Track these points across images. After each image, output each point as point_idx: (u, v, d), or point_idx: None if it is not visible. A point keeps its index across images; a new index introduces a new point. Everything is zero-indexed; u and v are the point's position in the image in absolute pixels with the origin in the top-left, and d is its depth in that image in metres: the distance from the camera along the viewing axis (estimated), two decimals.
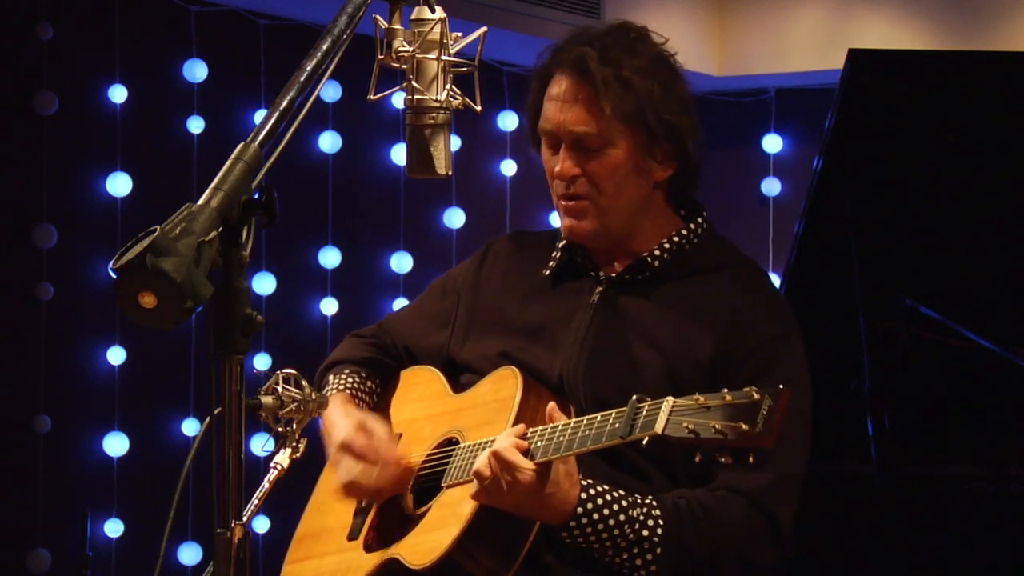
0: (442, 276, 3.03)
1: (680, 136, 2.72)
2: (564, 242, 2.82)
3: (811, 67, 7.02)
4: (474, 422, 2.73)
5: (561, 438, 2.49)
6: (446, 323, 2.92)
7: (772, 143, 7.38)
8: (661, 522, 2.54)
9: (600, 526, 2.51)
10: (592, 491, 2.53)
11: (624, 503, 2.54)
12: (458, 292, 2.93)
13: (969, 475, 4.24)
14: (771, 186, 7.38)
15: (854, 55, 4.38)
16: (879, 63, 4.52)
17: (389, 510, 2.81)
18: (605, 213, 2.72)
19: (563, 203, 2.74)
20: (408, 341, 2.99)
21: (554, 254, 2.83)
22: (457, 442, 2.74)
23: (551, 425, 2.53)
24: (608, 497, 2.53)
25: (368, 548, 2.78)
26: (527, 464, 2.47)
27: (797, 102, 7.30)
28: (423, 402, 2.89)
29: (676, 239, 2.76)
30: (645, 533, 2.53)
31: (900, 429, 4.24)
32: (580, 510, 2.51)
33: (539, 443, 2.51)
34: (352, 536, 2.83)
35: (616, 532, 2.52)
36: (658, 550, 2.53)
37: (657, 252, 2.75)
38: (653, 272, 2.75)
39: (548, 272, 2.83)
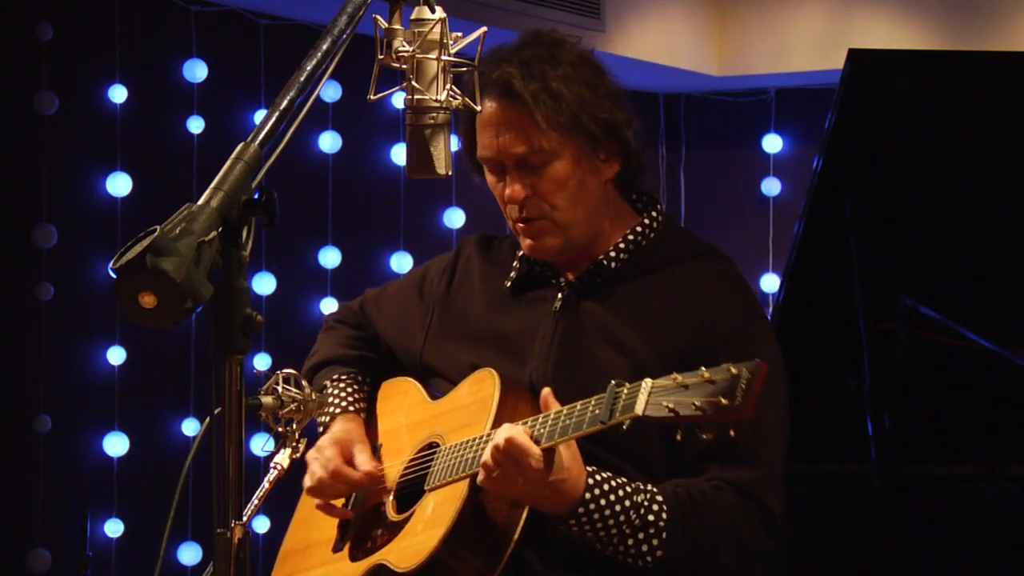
0: (421, 270, 3.00)
1: (619, 130, 2.70)
2: (523, 252, 2.80)
3: (811, 67, 7.02)
4: (454, 425, 2.73)
5: (542, 430, 2.49)
6: (421, 327, 2.91)
7: (772, 143, 7.38)
8: (665, 507, 2.54)
9: (607, 512, 2.50)
10: (598, 476, 2.52)
11: (628, 488, 2.53)
12: (432, 298, 2.92)
13: (969, 475, 4.24)
14: (771, 186, 7.38)
15: (854, 55, 4.37)
16: (879, 63, 4.52)
17: (373, 519, 2.80)
18: (565, 227, 2.70)
19: (520, 225, 2.72)
20: (388, 337, 2.98)
21: (513, 263, 2.83)
22: (438, 446, 2.74)
23: (531, 418, 2.53)
24: (613, 483, 2.53)
25: (354, 558, 2.77)
26: (536, 450, 2.46)
27: (797, 102, 7.31)
28: (401, 412, 2.89)
29: (632, 237, 2.75)
30: (651, 518, 2.52)
31: (900, 429, 4.24)
32: (588, 495, 2.50)
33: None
34: (337, 548, 2.82)
35: (622, 518, 2.51)
36: (664, 535, 2.53)
37: (613, 253, 2.74)
38: (613, 273, 2.74)
39: (509, 284, 2.82)
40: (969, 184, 4.44)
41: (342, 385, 2.94)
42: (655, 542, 2.53)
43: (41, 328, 5.35)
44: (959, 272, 4.44)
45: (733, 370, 2.28)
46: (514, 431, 2.48)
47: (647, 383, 2.35)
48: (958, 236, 4.45)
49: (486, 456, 2.50)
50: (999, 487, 4.17)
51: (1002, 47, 6.58)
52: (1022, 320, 4.40)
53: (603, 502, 2.51)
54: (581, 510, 2.50)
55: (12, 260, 5.33)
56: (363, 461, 2.81)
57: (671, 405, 2.30)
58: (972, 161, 4.45)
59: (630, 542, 2.53)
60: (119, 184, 5.52)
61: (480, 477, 2.52)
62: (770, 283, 7.21)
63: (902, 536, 4.17)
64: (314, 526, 2.90)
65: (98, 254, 5.45)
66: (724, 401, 2.26)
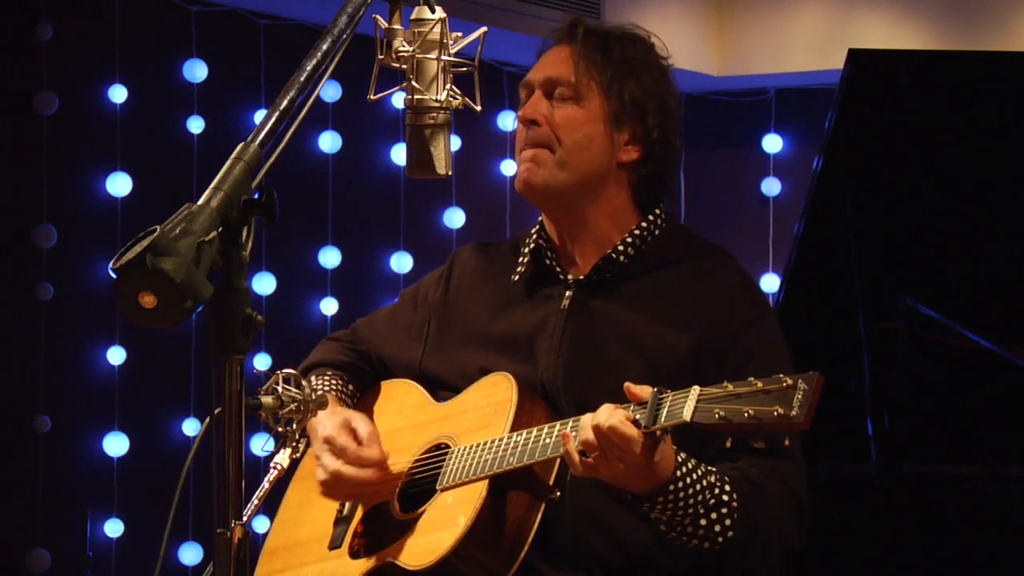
0: (412, 287, 3.01)
1: (645, 119, 2.73)
2: (533, 246, 2.81)
3: (811, 67, 7.02)
4: (466, 427, 2.71)
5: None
6: (418, 338, 2.90)
7: (772, 143, 7.38)
8: (733, 486, 2.52)
9: (690, 490, 2.47)
10: (682, 455, 2.49)
11: (702, 469, 2.51)
12: (428, 307, 2.91)
13: (969, 475, 4.24)
14: (771, 186, 7.38)
15: (854, 55, 4.38)
16: (879, 63, 4.52)
17: (375, 517, 2.79)
18: (560, 166, 2.72)
19: (521, 154, 2.75)
20: (383, 351, 2.96)
21: (521, 260, 2.82)
22: (448, 447, 2.72)
23: (560, 422, 2.53)
24: (692, 463, 2.50)
25: (355, 555, 2.75)
26: (639, 436, 2.40)
27: (797, 102, 7.31)
28: (402, 413, 2.87)
29: (638, 232, 2.75)
30: (725, 498, 2.50)
31: (900, 429, 4.24)
32: (677, 473, 2.47)
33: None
34: (334, 545, 2.80)
35: (700, 498, 2.48)
36: (736, 515, 2.51)
37: (621, 248, 2.74)
38: (620, 269, 2.74)
39: (517, 278, 2.81)
40: (969, 184, 4.44)
41: (326, 378, 2.93)
42: (728, 522, 2.51)
43: (41, 328, 5.35)
44: (959, 272, 4.44)
45: (788, 380, 2.29)
46: (617, 417, 2.41)
47: (695, 390, 2.35)
48: (958, 236, 4.45)
49: (587, 436, 2.42)
50: (999, 487, 4.17)
51: (1002, 47, 6.58)
52: (1022, 320, 4.40)
53: (688, 480, 2.48)
54: (671, 487, 2.46)
55: (12, 260, 5.33)
56: (369, 436, 2.79)
57: (723, 413, 2.30)
58: (972, 161, 4.45)
59: (702, 522, 2.50)
60: (119, 184, 5.52)
61: (576, 460, 2.46)
62: (770, 283, 7.20)
63: (902, 536, 4.17)
64: (304, 523, 2.88)
65: (98, 254, 5.45)
66: (780, 411, 2.27)
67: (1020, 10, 6.79)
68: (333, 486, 2.79)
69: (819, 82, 6.96)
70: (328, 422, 2.81)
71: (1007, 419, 4.39)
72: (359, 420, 2.83)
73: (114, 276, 1.79)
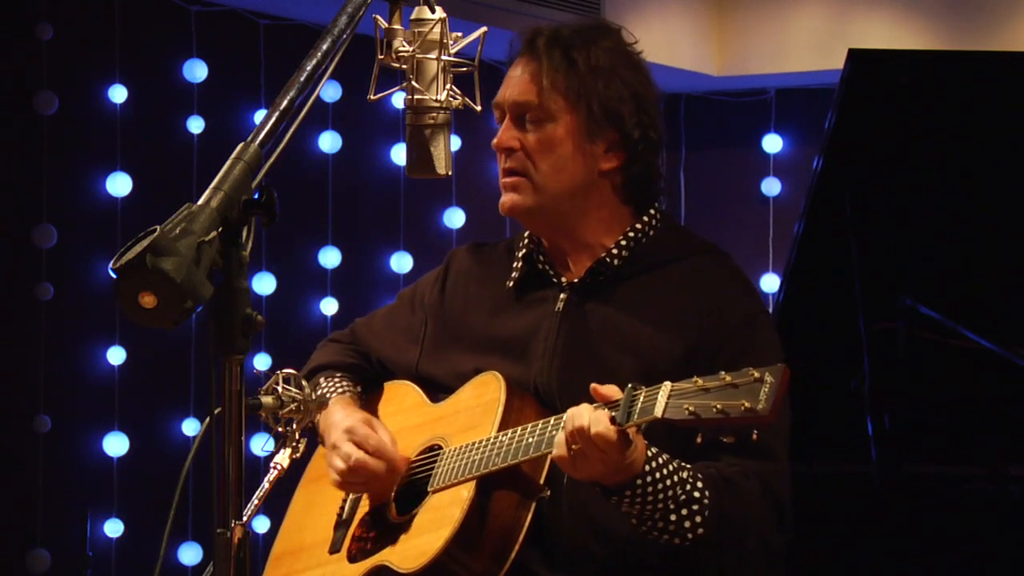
0: (410, 288, 3.00)
1: (622, 124, 2.70)
2: (524, 251, 2.80)
3: (811, 67, 7.02)
4: (457, 428, 2.72)
5: (553, 432, 2.49)
6: (415, 340, 2.90)
7: (772, 143, 7.38)
8: (706, 483, 2.52)
9: (659, 485, 2.47)
10: (652, 450, 2.49)
11: (674, 464, 2.50)
12: (425, 309, 2.90)
13: (969, 475, 4.24)
14: (771, 186, 7.38)
15: (854, 55, 4.38)
16: (879, 63, 4.52)
17: (371, 521, 2.79)
18: (539, 190, 2.70)
19: (502, 180, 2.75)
20: (382, 353, 2.96)
21: (515, 264, 2.81)
22: (440, 449, 2.73)
23: (542, 421, 2.54)
24: (663, 458, 2.50)
25: (352, 559, 2.76)
26: (615, 437, 2.41)
27: (797, 102, 7.31)
28: (400, 415, 2.88)
29: (632, 234, 2.74)
30: (696, 495, 2.50)
31: (900, 429, 4.24)
32: (647, 468, 2.47)
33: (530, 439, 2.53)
34: (334, 549, 2.81)
35: (670, 493, 2.48)
36: (707, 512, 2.50)
37: (615, 251, 2.73)
38: (614, 272, 2.72)
39: (511, 284, 2.80)
40: (969, 184, 4.44)
41: (335, 380, 2.94)
42: (698, 519, 2.50)
43: (41, 328, 5.35)
44: (959, 272, 4.44)
45: (755, 374, 2.29)
46: (602, 422, 2.41)
47: (666, 386, 2.35)
48: (958, 236, 4.45)
49: (561, 438, 2.44)
50: (999, 487, 4.17)
51: (1002, 47, 6.58)
52: (1022, 320, 4.40)
53: (657, 475, 2.47)
54: (639, 481, 2.46)
55: (12, 260, 5.33)
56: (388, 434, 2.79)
57: (692, 408, 2.30)
58: (972, 161, 4.45)
59: (672, 517, 2.49)
60: (119, 184, 5.52)
61: (558, 453, 2.46)
62: (770, 283, 7.20)
63: (902, 536, 4.17)
64: (307, 527, 2.89)
65: (98, 254, 5.45)
66: (747, 405, 2.27)
67: (1020, 10, 6.79)
68: (351, 474, 2.77)
69: (819, 82, 6.96)
70: (349, 417, 2.81)
71: (1007, 419, 4.39)
72: (377, 422, 2.84)
73: (114, 276, 1.79)
